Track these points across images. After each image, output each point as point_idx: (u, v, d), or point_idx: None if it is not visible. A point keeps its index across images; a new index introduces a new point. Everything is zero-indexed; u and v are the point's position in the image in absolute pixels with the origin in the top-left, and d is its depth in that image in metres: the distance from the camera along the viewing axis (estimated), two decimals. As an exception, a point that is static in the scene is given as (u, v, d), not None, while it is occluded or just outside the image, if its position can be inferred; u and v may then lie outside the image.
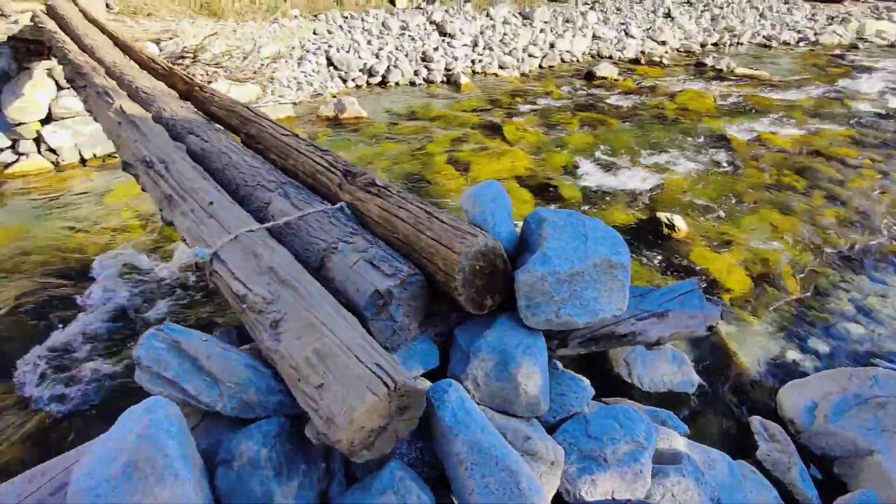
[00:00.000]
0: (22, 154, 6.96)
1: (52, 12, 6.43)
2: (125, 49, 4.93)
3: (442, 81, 11.65)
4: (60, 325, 4.57)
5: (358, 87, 10.96)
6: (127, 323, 4.63)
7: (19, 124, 6.79)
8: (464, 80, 11.42)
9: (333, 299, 1.62)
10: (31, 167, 6.93)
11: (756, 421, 3.37)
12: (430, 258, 1.74)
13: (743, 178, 7.39)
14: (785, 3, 21.00)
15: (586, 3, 18.85)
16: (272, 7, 15.19)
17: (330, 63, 11.03)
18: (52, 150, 7.07)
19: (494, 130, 8.95)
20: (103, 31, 5.67)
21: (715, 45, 16.97)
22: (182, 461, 1.26)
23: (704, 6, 19.12)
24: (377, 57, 11.62)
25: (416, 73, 11.50)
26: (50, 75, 6.90)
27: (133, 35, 6.26)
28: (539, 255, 1.70)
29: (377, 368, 1.34)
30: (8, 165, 6.91)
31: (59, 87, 7.03)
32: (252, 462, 1.36)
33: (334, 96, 10.13)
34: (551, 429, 1.82)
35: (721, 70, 13.67)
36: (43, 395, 3.60)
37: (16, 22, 7.10)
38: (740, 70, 13.56)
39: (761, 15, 19.22)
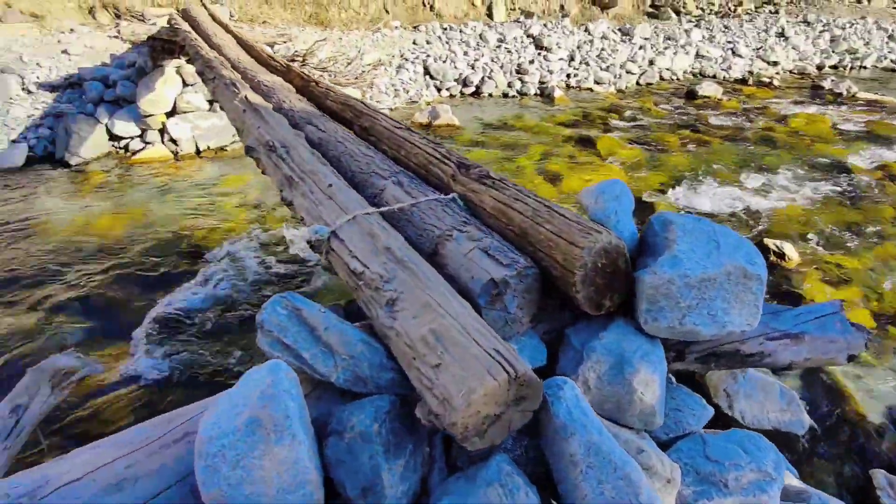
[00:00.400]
0: (148, 143, 7.65)
1: (185, 15, 7.08)
2: (247, 48, 5.31)
3: (535, 94, 11.58)
4: (173, 299, 4.94)
5: (452, 96, 11.13)
6: (232, 302, 4.92)
7: (149, 116, 7.48)
8: (558, 93, 11.29)
9: (447, 284, 1.61)
10: (154, 155, 7.59)
11: (880, 475, 3.00)
12: (547, 252, 1.68)
13: (864, 208, 6.71)
14: (920, 25, 19.05)
15: (690, 21, 18.10)
16: (375, 18, 15.85)
17: (427, 72, 11.30)
18: (173, 141, 7.71)
19: (587, 144, 8.75)
20: (228, 31, 6.15)
21: (834, 67, 15.67)
22: (300, 424, 1.28)
23: (824, 26, 17.75)
24: (472, 68, 11.76)
25: (509, 84, 11.51)
26: (178, 73, 7.57)
27: (253, 37, 6.74)
28: (668, 257, 1.59)
29: (496, 354, 1.30)
30: (136, 152, 7.62)
31: (185, 84, 7.69)
32: (363, 436, 1.36)
33: (429, 104, 10.34)
34: (663, 446, 1.70)
35: (841, 94, 12.57)
36: (152, 362, 3.86)
37: (154, 24, 7.85)
38: (864, 95, 12.41)
39: (890, 37, 17.54)
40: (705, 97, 11.82)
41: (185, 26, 6.29)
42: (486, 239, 1.78)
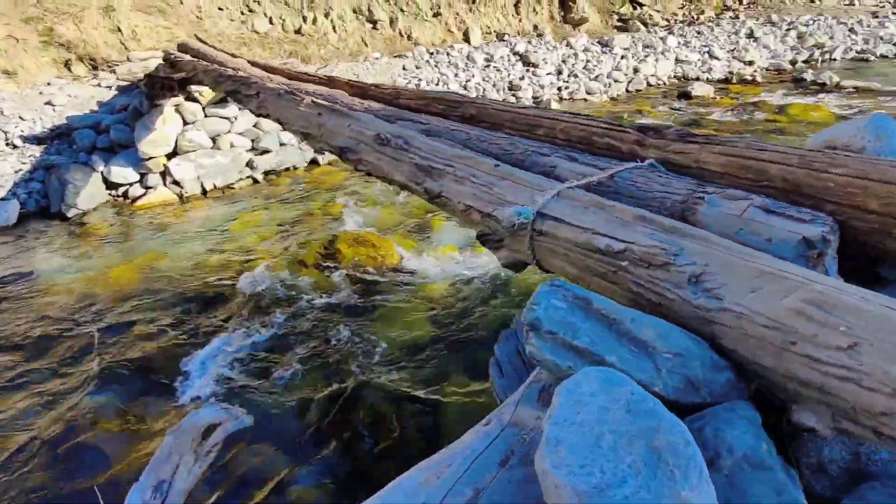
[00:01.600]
0: (150, 187, 7.15)
1: (185, 48, 6.70)
2: (269, 69, 4.95)
3: (532, 108, 11.46)
4: (208, 344, 4.41)
5: (449, 117, 10.92)
6: (276, 341, 4.42)
7: (150, 158, 7.00)
8: (554, 105, 11.19)
9: (741, 246, 1.22)
10: (158, 199, 7.09)
11: None
12: (846, 201, 1.32)
13: None
14: (874, 18, 19.90)
15: (665, 29, 18.55)
16: (355, 52, 15.73)
17: (421, 96, 11.10)
18: (177, 183, 7.23)
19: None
20: (235, 56, 5.79)
21: (805, 62, 16.12)
22: (694, 448, 0.86)
23: (789, 25, 18.38)
24: (465, 88, 11.62)
25: (504, 101, 11.37)
26: (178, 111, 7.13)
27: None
28: None
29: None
30: (138, 198, 7.10)
31: (185, 122, 7.25)
32: (751, 461, 0.95)
33: (430, 126, 10.09)
34: None
35: (825, 84, 12.83)
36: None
37: (146, 60, 7.44)
38: (847, 82, 12.69)
39: (851, 30, 18.24)
40: (699, 97, 11.90)
41: (188, 57, 5.91)
42: (753, 197, 1.41)
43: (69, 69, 11.29)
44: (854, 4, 22.11)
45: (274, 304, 4.96)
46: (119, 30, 12.43)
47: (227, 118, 7.48)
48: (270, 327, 4.55)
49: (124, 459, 3.31)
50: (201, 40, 7.38)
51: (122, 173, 7.13)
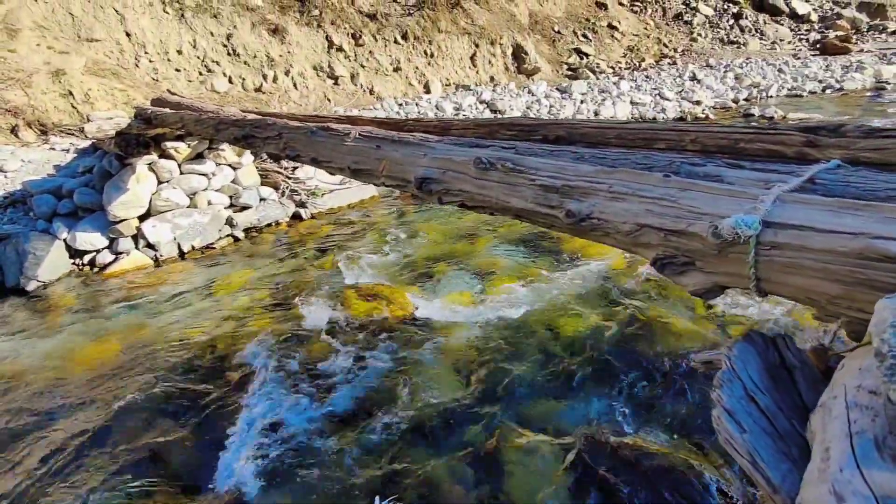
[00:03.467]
0: (120, 253, 6.53)
1: (162, 102, 6.30)
2: (264, 115, 4.62)
3: (506, 152, 11.56)
4: (220, 425, 3.84)
5: (426, 165, 10.82)
6: (303, 412, 3.89)
7: (121, 221, 6.42)
8: (528, 149, 11.32)
9: None
10: (131, 265, 6.49)
11: None
12: None
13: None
14: (796, 59, 21.71)
15: (615, 75, 19.51)
16: (317, 107, 15.65)
17: (395, 145, 10.99)
18: (151, 246, 6.65)
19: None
20: (222, 107, 5.45)
21: (746, 100, 17.22)
22: None
23: (725, 68, 19.74)
24: (438, 136, 11.62)
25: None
26: (151, 169, 6.64)
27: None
28: None
29: None
30: (107, 265, 6.46)
31: (160, 181, 6.75)
32: None
33: (409, 174, 9.92)
34: None
35: (772, 118, 13.65)
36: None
37: (111, 119, 6.98)
38: (792, 115, 13.54)
39: (780, 70, 19.77)
40: (663, 134, 12.34)
41: (167, 111, 5.51)
42: None
43: (16, 135, 10.57)
44: (775, 48, 24.12)
45: (288, 370, 4.44)
46: (71, 94, 11.87)
47: (204, 174, 7.04)
48: (293, 394, 4.02)
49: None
50: (172, 93, 6.98)
51: (89, 239, 6.49)
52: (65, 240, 6.46)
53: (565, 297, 5.21)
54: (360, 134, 2.64)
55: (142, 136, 5.98)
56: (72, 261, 6.53)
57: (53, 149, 8.82)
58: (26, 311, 5.76)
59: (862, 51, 23.82)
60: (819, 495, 0.86)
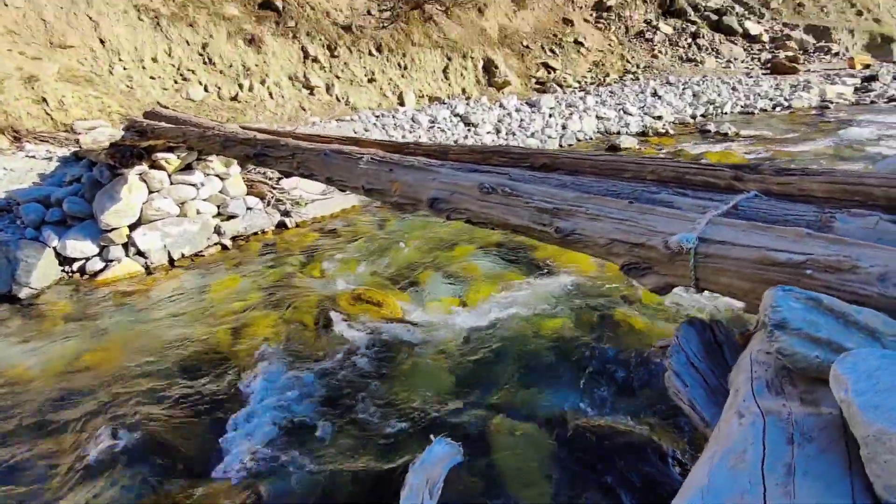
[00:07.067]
0: (111, 261, 6.72)
1: (156, 115, 6.53)
2: (262, 132, 4.97)
3: (480, 164, 12.06)
4: (224, 418, 4.16)
5: (404, 175, 11.23)
6: (301, 408, 4.24)
7: (112, 229, 6.61)
8: (501, 161, 11.86)
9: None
10: (122, 272, 6.68)
11: None
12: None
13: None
14: (749, 77, 23.10)
15: (575, 93, 20.33)
16: (293, 116, 15.87)
17: (374, 156, 11.37)
18: (141, 254, 6.85)
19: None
20: (222, 123, 5.76)
21: (703, 116, 18.27)
22: None
23: (684, 85, 20.86)
24: (415, 148, 12.05)
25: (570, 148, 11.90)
26: (142, 179, 6.86)
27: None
28: None
29: None
30: (97, 273, 6.64)
31: (150, 191, 6.97)
32: None
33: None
34: None
35: (727, 134, 14.60)
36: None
37: (93, 128, 7.16)
38: (745, 132, 14.53)
39: (734, 88, 21.02)
40: (626, 148, 13.10)
41: (164, 124, 5.78)
42: (878, 213, 1.71)
43: (-10, 142, 10.48)
44: (730, 67, 25.55)
45: (284, 369, 4.77)
46: (45, 100, 11.82)
47: (193, 185, 7.28)
48: (292, 391, 4.37)
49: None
50: (164, 106, 7.21)
51: (79, 247, 6.65)
52: (54, 247, 6.61)
53: (541, 299, 5.70)
54: (371, 158, 3.06)
55: (136, 148, 6.21)
56: (61, 268, 6.67)
57: (34, 157, 8.86)
58: (20, 319, 5.90)
59: (809, 71, 25.49)
60: (729, 416, 1.33)
